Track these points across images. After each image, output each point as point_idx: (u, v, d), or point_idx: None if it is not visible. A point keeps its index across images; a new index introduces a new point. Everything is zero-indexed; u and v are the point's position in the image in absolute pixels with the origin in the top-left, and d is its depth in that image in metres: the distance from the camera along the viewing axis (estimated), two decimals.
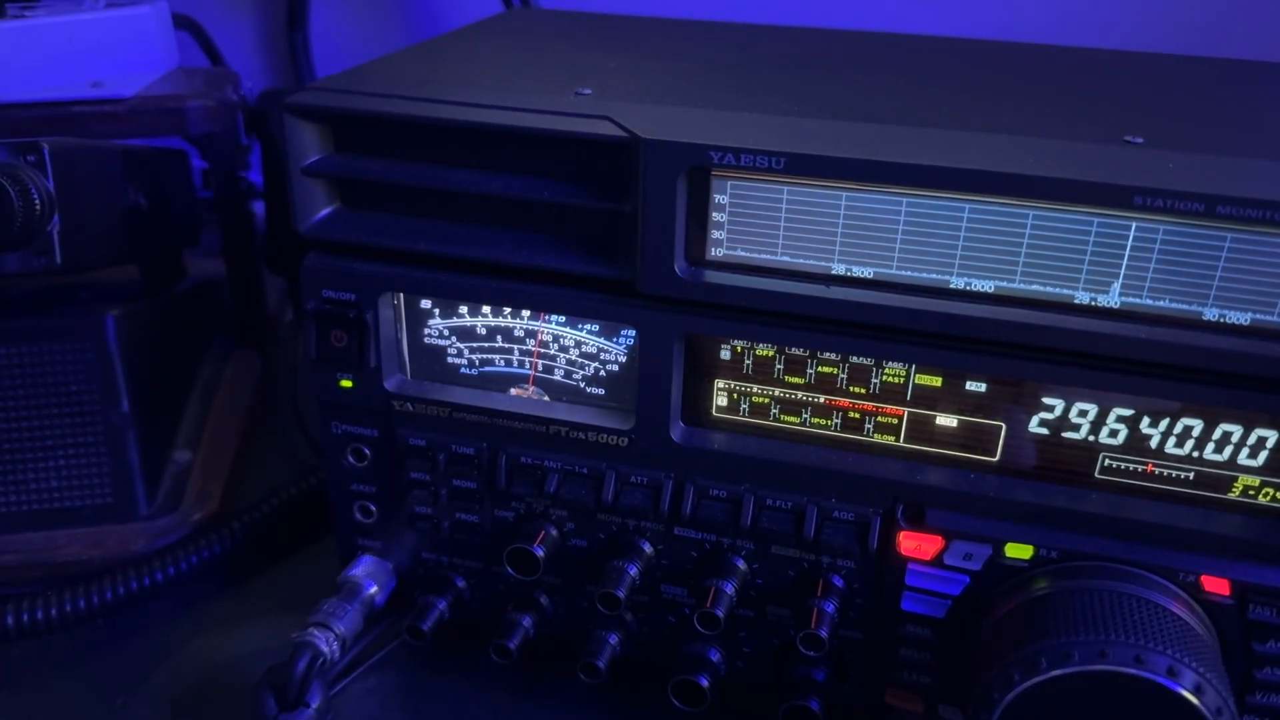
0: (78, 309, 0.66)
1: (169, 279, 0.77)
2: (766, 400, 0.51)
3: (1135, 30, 0.94)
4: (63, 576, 0.63)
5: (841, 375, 0.49)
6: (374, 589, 0.57)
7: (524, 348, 0.53)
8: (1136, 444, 0.47)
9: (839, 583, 0.51)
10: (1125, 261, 0.43)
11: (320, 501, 0.68)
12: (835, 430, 0.50)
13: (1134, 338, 0.43)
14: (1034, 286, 0.44)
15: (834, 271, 0.46)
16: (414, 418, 0.55)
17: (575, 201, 0.48)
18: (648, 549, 0.53)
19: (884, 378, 0.49)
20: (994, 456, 0.49)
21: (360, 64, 0.57)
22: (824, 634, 0.49)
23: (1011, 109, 0.52)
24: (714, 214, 0.47)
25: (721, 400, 0.52)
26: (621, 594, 0.51)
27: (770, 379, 0.50)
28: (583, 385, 0.53)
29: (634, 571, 0.52)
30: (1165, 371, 0.44)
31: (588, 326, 0.52)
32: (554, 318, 0.52)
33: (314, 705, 0.51)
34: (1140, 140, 0.46)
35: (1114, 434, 0.47)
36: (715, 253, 0.48)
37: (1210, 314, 0.43)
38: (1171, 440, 0.46)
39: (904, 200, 0.44)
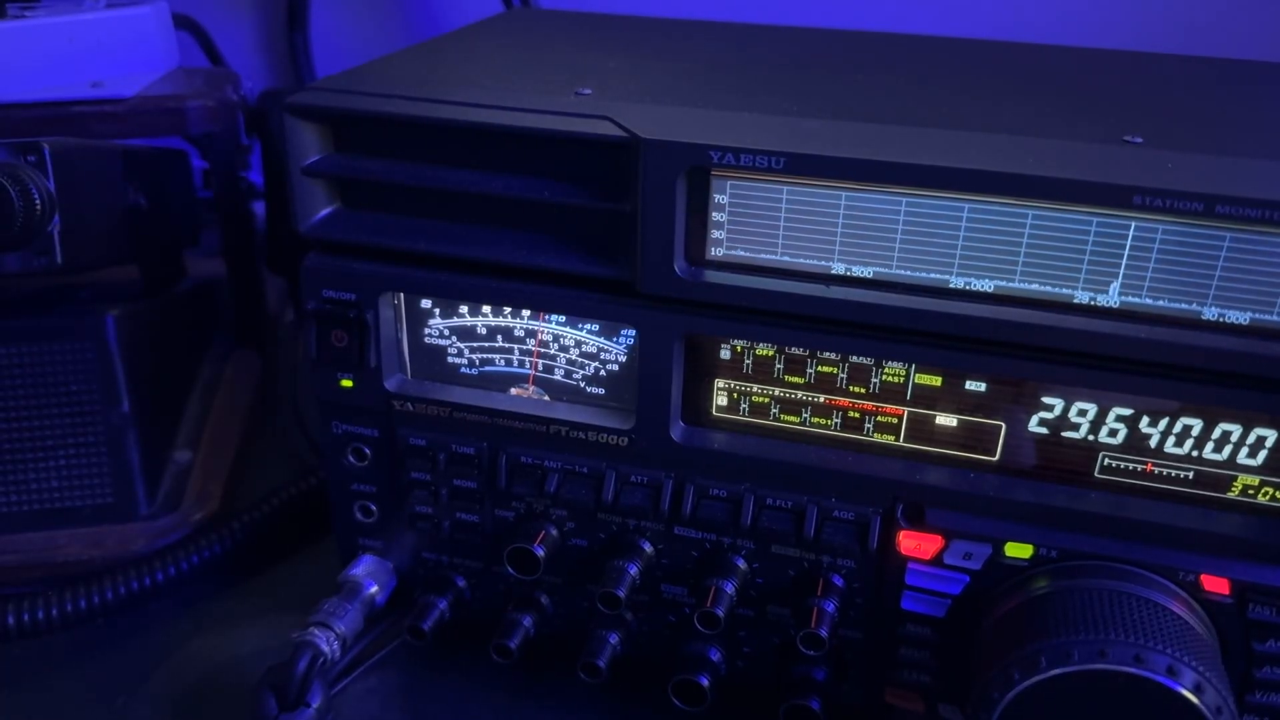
0: (78, 309, 0.66)
1: (169, 279, 0.77)
2: (766, 400, 0.51)
3: (1135, 30, 0.94)
4: (63, 576, 0.63)
5: (841, 375, 0.49)
6: (374, 589, 0.57)
7: (524, 347, 0.53)
8: (1136, 443, 0.47)
9: (839, 582, 0.51)
10: (1124, 261, 0.43)
11: (320, 501, 0.68)
12: (835, 430, 0.50)
13: (1133, 337, 0.43)
14: (1034, 286, 0.44)
15: (834, 271, 0.46)
16: (414, 417, 0.55)
17: (575, 201, 0.49)
18: (648, 548, 0.53)
19: (884, 377, 0.49)
20: (994, 456, 0.49)
21: (360, 64, 0.57)
22: (824, 633, 0.49)
23: (1011, 109, 0.52)
24: (714, 214, 0.47)
25: (721, 400, 0.52)
26: (622, 593, 0.51)
27: (770, 379, 0.50)
28: (583, 385, 0.53)
29: (634, 571, 0.52)
30: (1165, 371, 0.44)
31: (588, 326, 0.52)
32: (554, 317, 0.52)
33: (314, 705, 0.51)
34: (1140, 140, 0.46)
35: (1114, 433, 0.47)
36: (715, 253, 0.48)
37: (1209, 313, 0.43)
38: (1171, 440, 0.46)
39: (904, 200, 0.44)
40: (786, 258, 0.47)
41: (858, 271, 0.46)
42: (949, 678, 0.51)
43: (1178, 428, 0.46)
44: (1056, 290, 0.44)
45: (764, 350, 0.50)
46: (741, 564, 0.52)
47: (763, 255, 0.47)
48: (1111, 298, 0.44)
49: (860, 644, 0.53)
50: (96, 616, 0.61)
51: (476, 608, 0.59)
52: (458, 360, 0.55)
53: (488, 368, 0.54)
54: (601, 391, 0.53)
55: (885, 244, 0.45)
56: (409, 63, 0.58)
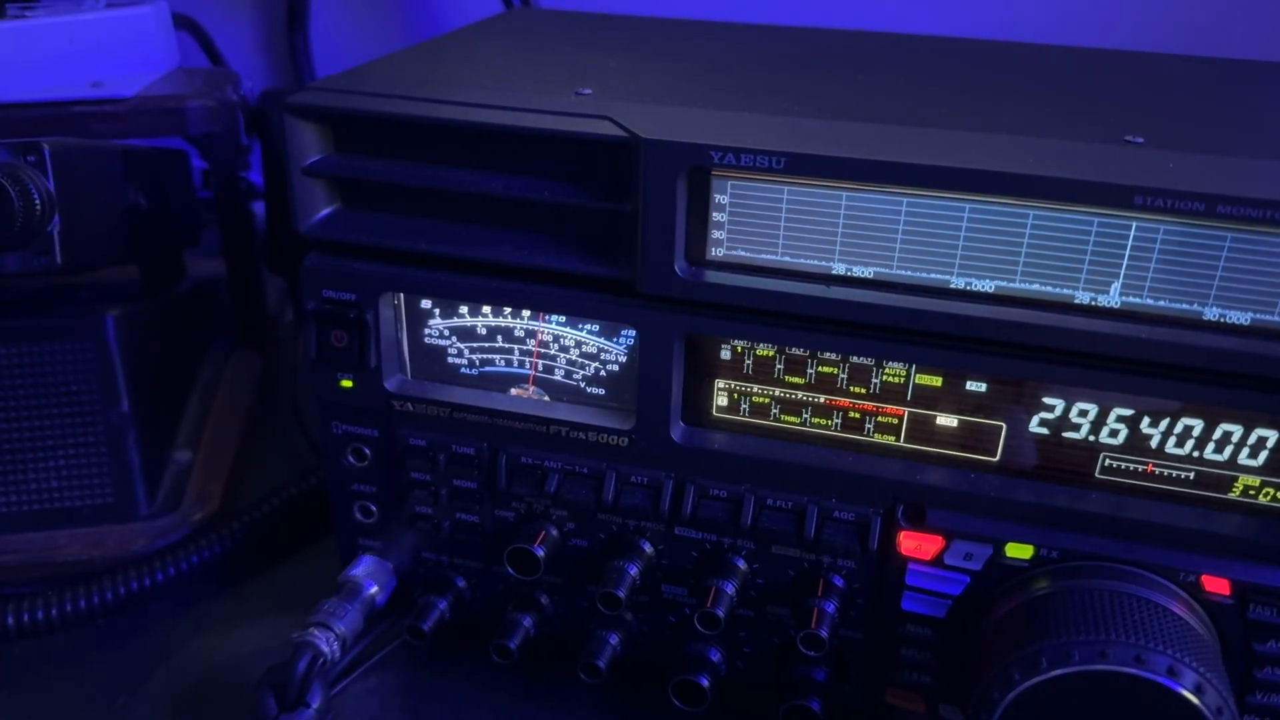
0: (78, 309, 0.66)
1: (169, 279, 0.77)
2: (767, 400, 0.51)
3: (1135, 30, 0.94)
4: (63, 576, 0.63)
5: (842, 375, 0.49)
6: (374, 589, 0.57)
7: (524, 348, 0.53)
8: (1137, 444, 0.47)
9: (839, 582, 0.51)
10: (1125, 261, 0.43)
11: (320, 501, 0.68)
12: (836, 430, 0.50)
13: (1134, 337, 0.43)
14: (1034, 286, 0.44)
15: (834, 271, 0.46)
16: (414, 418, 0.55)
17: (575, 201, 0.48)
18: (648, 549, 0.53)
19: (884, 378, 0.49)
20: (994, 456, 0.49)
21: (360, 64, 0.57)
22: (824, 634, 0.49)
23: (1012, 109, 0.52)
24: (714, 214, 0.47)
25: (722, 400, 0.52)
26: (622, 594, 0.51)
27: (770, 379, 0.50)
28: (583, 385, 0.53)
29: (634, 571, 0.52)
30: (1165, 371, 0.44)
31: (588, 326, 0.52)
32: (554, 318, 0.52)
33: (314, 705, 0.51)
34: (1140, 140, 0.46)
35: (1114, 434, 0.47)
36: (715, 253, 0.48)
37: (1210, 314, 0.43)
38: (1172, 440, 0.46)
39: (904, 200, 0.44)
40: (787, 258, 0.47)
41: (858, 272, 0.46)
42: (950, 678, 0.51)
43: (1179, 428, 0.46)
44: (1057, 290, 0.44)
45: (764, 350, 0.50)
46: (742, 564, 0.52)
47: (763, 255, 0.47)
48: (1112, 298, 0.44)
49: (861, 644, 0.53)
50: (96, 616, 0.61)
51: (476, 608, 0.59)
52: (458, 360, 0.55)
53: (488, 368, 0.54)
54: (601, 392, 0.53)
55: (886, 244, 0.45)
56: (409, 63, 0.58)
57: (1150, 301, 0.43)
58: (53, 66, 0.73)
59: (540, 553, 0.53)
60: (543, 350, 0.53)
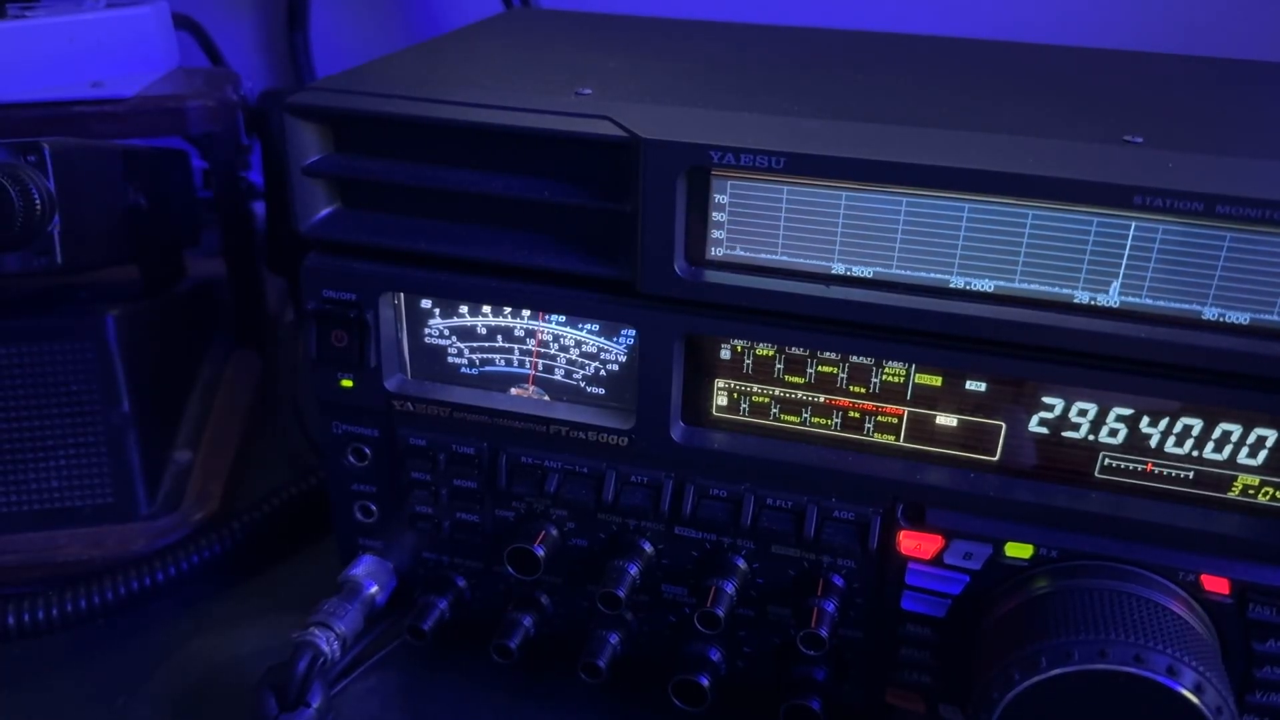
0: (78, 309, 0.66)
1: (169, 279, 0.77)
2: (766, 400, 0.51)
3: (1135, 30, 0.94)
4: (63, 576, 0.63)
5: (841, 375, 0.49)
6: (374, 589, 0.57)
7: (524, 347, 0.53)
8: (1136, 443, 0.47)
9: (839, 582, 0.51)
10: (1125, 261, 0.43)
11: (320, 501, 0.68)
12: (835, 430, 0.50)
13: (1134, 337, 0.43)
14: (1034, 286, 0.44)
15: (834, 271, 0.46)
16: (414, 418, 0.55)
17: (575, 201, 0.49)
18: (648, 548, 0.53)
19: (884, 377, 0.49)
20: (994, 456, 0.49)
21: (360, 64, 0.57)
22: (824, 633, 0.49)
23: (1011, 109, 0.52)
24: (714, 214, 0.47)
25: (721, 400, 0.52)
26: (622, 593, 0.51)
27: (770, 379, 0.50)
28: (583, 385, 0.53)
29: (634, 571, 0.52)
30: (1165, 371, 0.44)
31: (588, 326, 0.52)
32: (554, 317, 0.52)
33: (315, 705, 0.51)
34: (1140, 140, 0.46)
35: (1114, 433, 0.47)
36: (715, 252, 0.48)
37: (1210, 313, 0.43)
38: (1171, 440, 0.46)
39: (904, 200, 0.44)
40: (786, 258, 0.47)
41: (858, 271, 0.46)
42: (949, 678, 0.51)
43: (1178, 428, 0.46)
44: (1057, 290, 0.44)
45: (764, 350, 0.50)
46: (742, 564, 0.52)
47: (763, 255, 0.47)
48: (1112, 298, 0.44)
49: (860, 644, 0.53)
50: (96, 616, 0.61)
51: (476, 608, 0.59)
52: (458, 360, 0.55)
53: (488, 368, 0.54)
54: (601, 391, 0.53)
55: (885, 244, 0.45)
56: (409, 63, 0.58)
57: (1149, 301, 0.43)
58: (53, 66, 0.73)
59: (540, 552, 0.53)
60: (543, 350, 0.53)
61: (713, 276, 0.47)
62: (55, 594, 0.60)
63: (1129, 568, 0.46)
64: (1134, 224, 0.42)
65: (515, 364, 0.54)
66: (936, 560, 0.49)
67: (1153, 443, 0.47)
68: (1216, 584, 0.46)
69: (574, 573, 0.56)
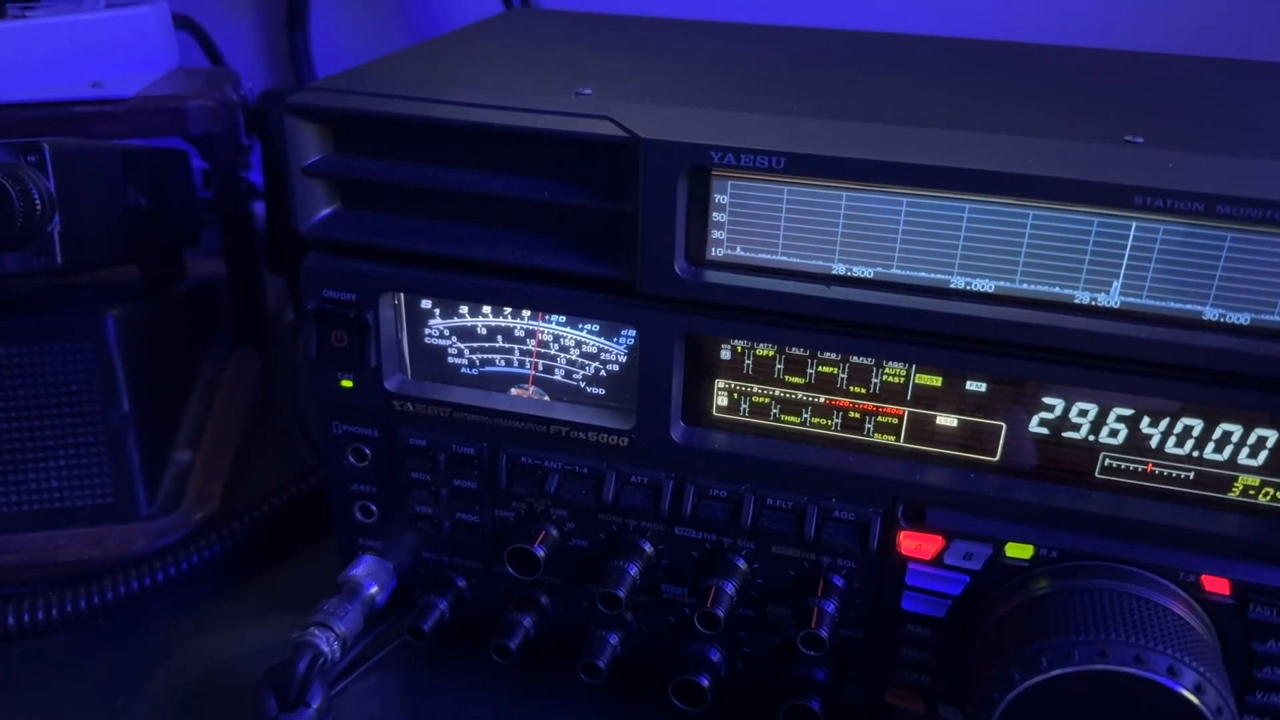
0: (78, 309, 0.66)
1: (169, 279, 0.77)
2: (767, 400, 0.51)
3: (1135, 30, 0.94)
4: (63, 576, 0.63)
5: (842, 375, 0.49)
6: (374, 589, 0.57)
7: (524, 348, 0.53)
8: (1137, 444, 0.47)
9: (839, 582, 0.51)
10: (1125, 261, 0.43)
11: (320, 501, 0.68)
12: (835, 430, 0.50)
13: (1134, 337, 0.43)
14: (1034, 286, 0.44)
15: (834, 271, 0.46)
16: (414, 418, 0.55)
17: (575, 201, 0.49)
18: (648, 549, 0.53)
19: (884, 377, 0.49)
20: (994, 456, 0.49)
21: (360, 64, 0.57)
22: (824, 634, 0.49)
23: (1012, 109, 0.52)
24: (714, 214, 0.47)
25: (722, 400, 0.52)
26: (622, 594, 0.51)
27: (770, 379, 0.50)
28: (583, 385, 0.53)
29: (634, 571, 0.52)
30: (1165, 371, 0.44)
31: (588, 326, 0.52)
32: (554, 318, 0.52)
33: (315, 705, 0.51)
34: (1140, 140, 0.46)
35: (1114, 434, 0.47)
36: (715, 253, 0.48)
37: (1210, 314, 0.43)
38: (1171, 440, 0.46)
39: (904, 200, 0.44)
40: (787, 258, 0.47)
41: (858, 272, 0.46)
42: (949, 678, 0.51)
43: (1178, 428, 0.46)
44: (1057, 290, 0.44)
45: (764, 350, 0.50)
46: (742, 564, 0.52)
47: (763, 255, 0.47)
48: (1112, 298, 0.44)
49: (861, 644, 0.53)
50: (96, 616, 0.61)
51: (476, 608, 0.59)
52: (458, 360, 0.55)
53: (488, 368, 0.54)
54: (602, 392, 0.53)
55: (886, 244, 0.45)
56: (409, 63, 0.58)
57: (1150, 301, 0.43)
58: (53, 66, 0.73)
59: (540, 553, 0.53)
60: (543, 350, 0.53)
61: (713, 277, 0.47)
62: (55, 594, 0.60)
63: (1129, 568, 0.46)
64: (1135, 224, 0.42)
65: (515, 364, 0.54)
66: (937, 560, 0.49)
67: (1153, 443, 0.46)
68: (1217, 584, 0.46)
69: (574, 573, 0.56)
